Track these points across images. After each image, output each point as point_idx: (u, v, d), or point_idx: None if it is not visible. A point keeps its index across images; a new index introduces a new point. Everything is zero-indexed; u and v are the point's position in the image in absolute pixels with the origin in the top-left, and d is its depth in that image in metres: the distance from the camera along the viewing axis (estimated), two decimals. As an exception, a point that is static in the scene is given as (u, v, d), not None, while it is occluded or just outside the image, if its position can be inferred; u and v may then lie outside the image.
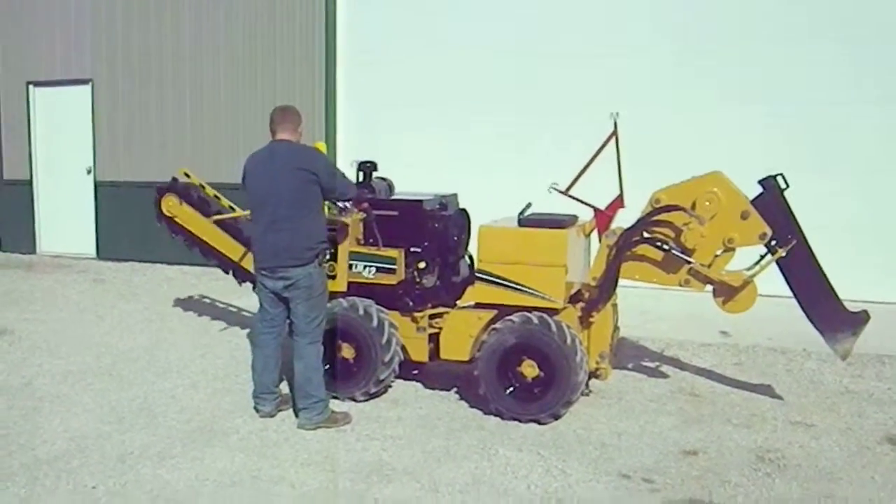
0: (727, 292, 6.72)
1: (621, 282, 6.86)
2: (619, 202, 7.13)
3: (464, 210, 7.57)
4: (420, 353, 7.15)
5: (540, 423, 6.51)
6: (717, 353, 8.54)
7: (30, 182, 15.06)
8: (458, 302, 7.32)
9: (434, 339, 7.14)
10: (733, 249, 6.62)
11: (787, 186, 6.75)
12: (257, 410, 6.73)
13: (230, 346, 8.75)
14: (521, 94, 11.83)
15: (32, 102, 14.95)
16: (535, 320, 6.51)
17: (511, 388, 6.60)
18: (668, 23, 11.16)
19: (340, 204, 7.27)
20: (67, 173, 14.73)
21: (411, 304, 7.07)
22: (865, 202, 10.46)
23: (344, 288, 7.11)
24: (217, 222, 8.32)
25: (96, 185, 14.47)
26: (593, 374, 7.01)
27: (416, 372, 7.55)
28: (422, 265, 7.08)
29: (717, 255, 6.65)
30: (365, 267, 7.09)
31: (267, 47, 13.05)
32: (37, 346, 8.88)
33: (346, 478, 5.57)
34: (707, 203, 6.51)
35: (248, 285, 8.24)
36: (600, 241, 6.97)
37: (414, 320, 7.10)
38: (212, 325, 9.58)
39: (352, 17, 12.71)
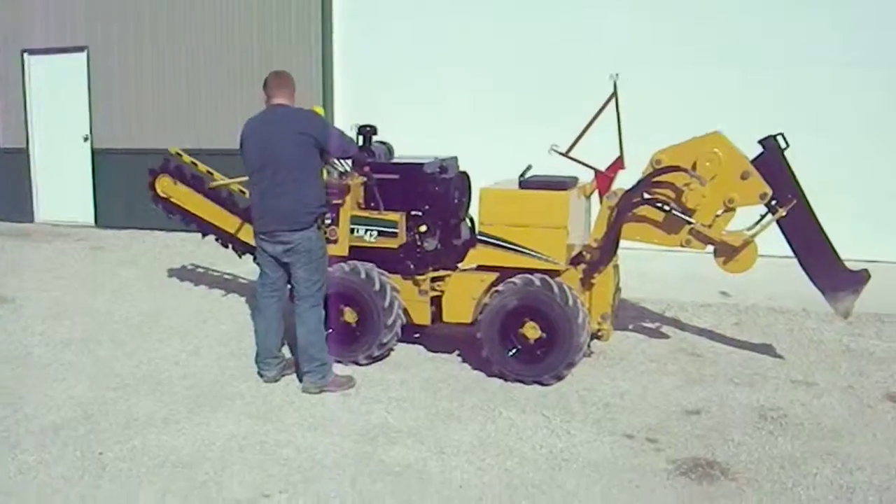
0: (728, 252, 6.72)
1: (621, 243, 6.87)
2: (619, 163, 7.12)
3: (464, 173, 7.57)
4: (422, 316, 7.17)
5: (543, 385, 6.55)
6: (717, 314, 8.57)
7: (26, 150, 14.98)
8: (459, 265, 7.33)
9: (436, 302, 7.16)
10: (734, 209, 6.62)
11: (788, 146, 6.74)
12: (261, 375, 6.76)
13: (232, 312, 8.77)
14: (521, 56, 11.76)
15: (28, 71, 14.85)
16: (538, 282, 6.53)
17: (514, 350, 6.63)
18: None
19: (341, 168, 7.28)
20: (64, 141, 14.66)
21: (413, 267, 7.08)
22: (862, 162, 10.47)
23: (345, 252, 7.11)
24: (212, 196, 8.36)
25: (93, 153, 14.42)
26: (595, 336, 7.04)
27: (417, 335, 7.57)
28: (423, 228, 7.08)
29: (717, 216, 6.65)
30: (366, 231, 7.09)
31: (263, 9, 12.95)
32: (38, 314, 8.88)
33: (351, 440, 5.61)
34: (708, 163, 6.50)
35: (248, 256, 8.29)
36: (601, 202, 6.97)
37: (416, 283, 7.11)
38: (212, 292, 9.59)
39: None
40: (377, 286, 6.88)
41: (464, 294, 6.92)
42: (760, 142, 6.74)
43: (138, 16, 13.80)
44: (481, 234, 6.79)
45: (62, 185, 14.79)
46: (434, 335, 7.59)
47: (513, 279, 6.62)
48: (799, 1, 10.58)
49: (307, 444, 5.55)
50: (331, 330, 6.83)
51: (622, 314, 8.08)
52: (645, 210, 6.74)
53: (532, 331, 6.57)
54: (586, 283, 6.91)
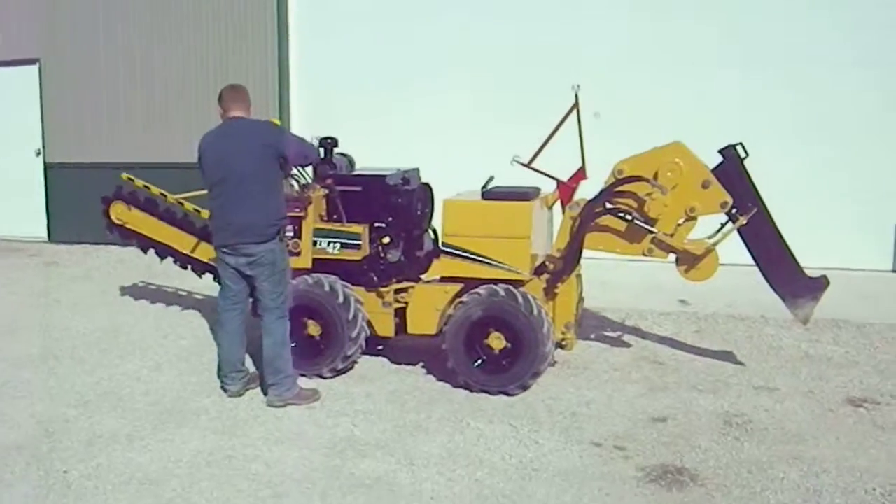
0: (690, 261, 6.79)
1: (584, 253, 6.89)
2: (581, 174, 7.16)
3: (427, 184, 7.57)
4: (386, 328, 7.15)
5: (509, 395, 6.56)
6: (677, 322, 8.64)
7: (-25, 165, 14.74)
8: (422, 276, 7.33)
9: (399, 314, 7.14)
10: (695, 218, 6.69)
11: (747, 155, 6.83)
12: (225, 390, 6.70)
13: (192, 327, 8.69)
14: (481, 66, 11.72)
15: (-22, 84, 14.64)
16: (502, 292, 6.54)
17: (479, 361, 6.63)
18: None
19: (302, 180, 7.25)
20: (15, 155, 14.44)
21: (376, 279, 7.06)
22: (819, 169, 10.63)
23: (309, 265, 7.08)
24: (168, 219, 8.35)
25: (46, 167, 14.24)
26: (559, 345, 7.07)
27: (380, 347, 7.53)
28: (386, 240, 7.07)
29: (679, 225, 6.72)
30: (329, 243, 7.06)
31: (218, 20, 12.87)
32: (-7, 331, 8.76)
33: (319, 454, 5.58)
34: (669, 173, 6.57)
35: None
36: (564, 212, 7.01)
37: (379, 295, 7.09)
38: (170, 307, 9.48)
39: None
40: (341, 298, 6.85)
41: (428, 305, 6.92)
42: (720, 151, 6.82)
43: (91, 28, 13.62)
44: (445, 245, 6.79)
45: (14, 200, 14.53)
46: (397, 347, 7.57)
47: (477, 290, 6.63)
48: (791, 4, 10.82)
49: (275, 459, 5.51)
50: (294, 343, 6.77)
51: (584, 323, 8.12)
52: (607, 220, 6.79)
53: (497, 341, 6.58)
54: (550, 292, 6.94)
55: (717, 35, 10.91)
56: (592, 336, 8.08)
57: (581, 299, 7.54)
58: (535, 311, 6.48)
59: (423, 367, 7.29)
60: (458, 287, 6.81)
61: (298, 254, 7.03)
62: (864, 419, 6.16)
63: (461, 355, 6.64)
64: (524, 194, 6.80)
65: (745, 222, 6.66)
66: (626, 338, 8.12)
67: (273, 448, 5.68)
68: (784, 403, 6.45)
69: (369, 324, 7.06)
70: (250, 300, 6.69)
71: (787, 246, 6.90)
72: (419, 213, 7.36)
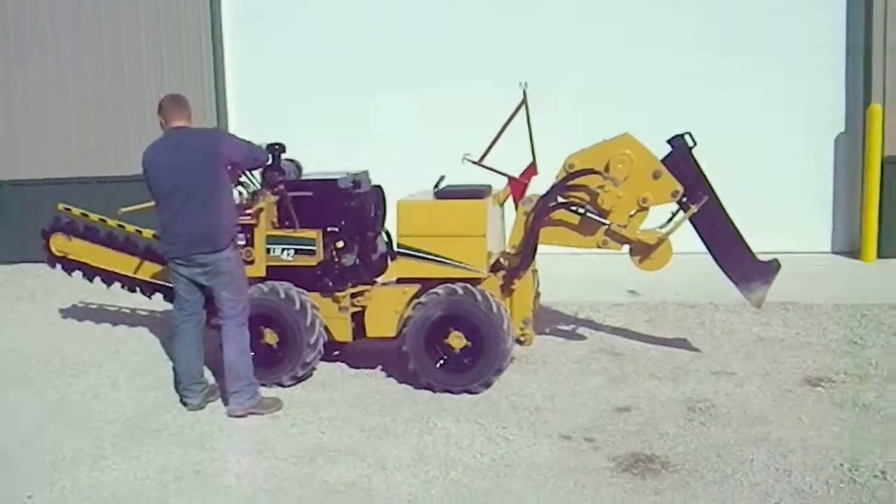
0: (643, 251, 6.87)
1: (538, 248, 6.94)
2: (532, 169, 7.17)
3: (378, 186, 7.54)
4: (343, 332, 7.10)
5: (472, 393, 6.57)
6: (629, 312, 8.72)
7: None
8: (378, 279, 7.30)
9: (356, 318, 7.11)
10: (647, 208, 6.78)
11: (695, 144, 6.92)
12: (185, 404, 6.61)
13: (142, 342, 8.52)
14: (425, 64, 11.65)
15: None
16: (461, 291, 6.54)
17: (440, 361, 6.62)
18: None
19: (252, 187, 7.18)
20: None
21: (332, 284, 7.00)
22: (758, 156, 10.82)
23: (263, 273, 7.01)
24: (110, 243, 8.19)
25: (-27, 186, 13.84)
26: (517, 341, 7.05)
27: (337, 353, 7.48)
28: (340, 244, 7.01)
29: (631, 216, 6.78)
30: (283, 250, 6.99)
31: (151, 28, 12.65)
32: (-64, 355, 8.52)
33: (289, 463, 5.53)
34: (620, 165, 6.63)
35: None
36: (517, 208, 7.03)
37: (335, 300, 7.03)
38: (117, 323, 9.27)
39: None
40: (298, 305, 6.79)
41: (387, 308, 6.90)
42: (669, 141, 6.90)
43: (22, 41, 13.11)
44: (401, 246, 6.78)
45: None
46: (354, 351, 7.53)
47: (435, 290, 6.62)
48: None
49: (244, 470, 5.46)
50: (252, 353, 6.66)
51: (538, 319, 8.14)
52: (561, 214, 6.84)
53: (457, 340, 6.58)
54: (506, 289, 6.96)
55: (664, 19, 11.09)
56: (547, 330, 8.11)
57: (537, 294, 7.57)
58: (495, 309, 6.49)
59: (382, 370, 7.26)
60: (415, 288, 6.80)
61: (252, 262, 6.95)
62: (822, 398, 6.28)
63: (422, 356, 6.62)
64: (477, 192, 6.81)
65: (696, 210, 6.74)
66: (581, 330, 8.16)
67: (241, 460, 5.63)
68: (743, 387, 6.55)
69: (326, 329, 7.01)
70: (204, 311, 6.62)
71: (738, 232, 7.00)
72: (372, 215, 7.32)
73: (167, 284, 7.67)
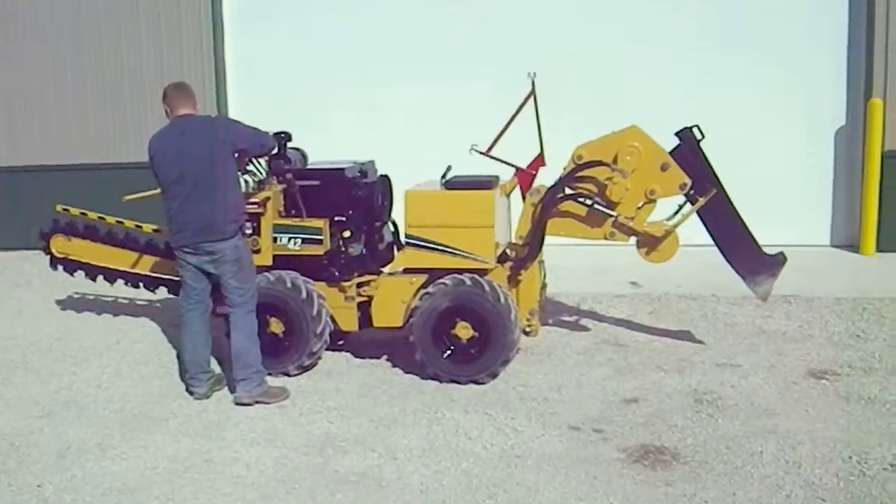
0: (651, 243, 6.88)
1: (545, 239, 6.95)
2: (540, 160, 7.17)
3: (385, 176, 7.52)
4: (349, 322, 7.09)
5: (479, 384, 6.57)
6: (632, 304, 8.72)
7: None
8: (383, 269, 7.29)
9: (362, 307, 7.10)
10: (654, 201, 6.78)
11: (703, 137, 6.92)
12: (191, 392, 6.60)
13: (144, 331, 8.49)
14: (436, 53, 11.58)
15: None
16: (468, 281, 6.54)
17: (448, 351, 6.62)
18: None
19: (259, 176, 7.16)
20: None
21: (338, 273, 7.00)
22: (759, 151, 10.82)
23: (269, 262, 7.00)
24: (111, 241, 8.16)
25: (-26, 172, 13.78)
26: (523, 332, 7.05)
27: (341, 342, 7.47)
28: (347, 234, 7.00)
29: (638, 208, 6.79)
30: (290, 239, 6.98)
31: (151, 16, 12.58)
32: (-65, 342, 8.49)
33: (299, 452, 5.53)
34: (628, 157, 6.64)
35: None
36: (524, 199, 7.03)
37: (341, 290, 7.02)
38: (117, 311, 9.23)
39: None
40: (304, 295, 6.78)
41: (394, 298, 6.89)
42: (677, 134, 6.90)
43: (19, 26, 13.09)
44: (408, 236, 6.77)
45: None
46: (358, 341, 7.52)
47: (443, 280, 6.62)
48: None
49: (254, 460, 5.45)
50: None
51: (541, 309, 8.16)
52: (568, 205, 6.85)
53: (464, 331, 6.58)
54: (513, 280, 6.97)
55: (672, 16, 11.03)
56: (551, 321, 8.11)
57: (544, 285, 7.57)
58: (503, 299, 6.50)
59: (387, 360, 7.26)
60: (423, 278, 6.79)
61: (258, 251, 6.93)
62: (828, 391, 6.30)
63: (429, 346, 6.62)
64: (485, 183, 6.81)
65: (704, 203, 6.75)
66: (584, 322, 8.17)
67: (251, 449, 5.61)
68: (749, 379, 6.57)
69: (333, 319, 7.00)
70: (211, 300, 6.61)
71: (744, 225, 7.01)
72: (379, 205, 7.31)
73: (170, 278, 7.67)
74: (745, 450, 5.32)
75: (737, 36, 10.87)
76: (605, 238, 6.86)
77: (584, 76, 11.00)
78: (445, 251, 6.66)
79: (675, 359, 7.06)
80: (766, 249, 7.17)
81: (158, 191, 6.57)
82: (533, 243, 6.87)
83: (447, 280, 6.60)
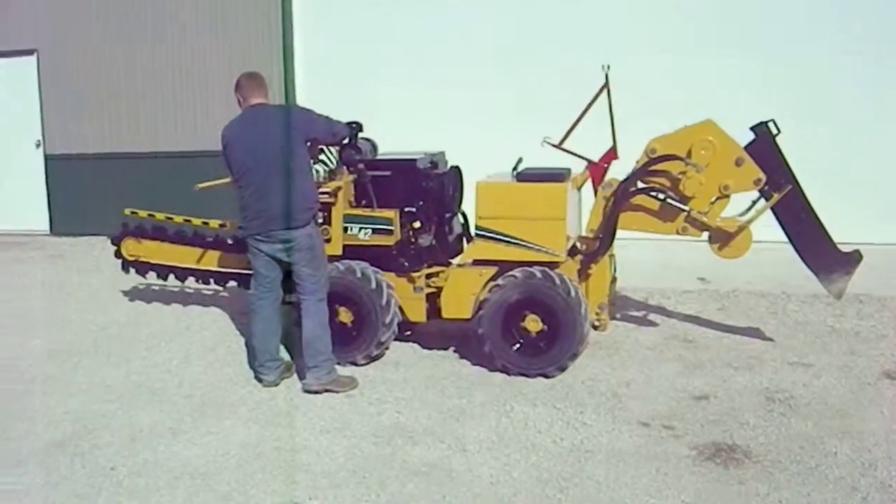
0: (723, 238, 6.80)
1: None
2: (612, 154, 7.10)
3: (456, 167, 7.51)
4: (417, 313, 7.10)
5: (547, 377, 6.54)
6: (700, 300, 8.62)
7: (-26, 159, 14.54)
8: (452, 260, 7.29)
9: (430, 298, 7.10)
10: (728, 196, 6.70)
11: (779, 132, 6.82)
12: (259, 380, 6.65)
13: (212, 318, 8.59)
14: (505, 45, 11.59)
15: (-26, 76, 14.42)
16: (539, 274, 6.51)
17: (517, 344, 6.60)
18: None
19: (330, 165, 7.20)
20: (15, 148, 14.25)
21: (408, 264, 7.01)
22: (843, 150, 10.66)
23: (339, 251, 7.03)
24: (180, 240, 8.24)
25: (46, 159, 14.05)
26: (592, 326, 7.04)
27: (408, 333, 7.49)
28: (417, 225, 7.01)
29: (712, 203, 6.71)
30: (360, 229, 7.00)
31: (216, 8, 12.73)
32: (8, 324, 8.65)
33: (368, 442, 5.54)
34: (703, 151, 6.56)
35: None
36: (595, 193, 6.98)
37: (410, 280, 7.04)
38: (186, 298, 9.35)
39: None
40: (374, 284, 6.80)
41: (463, 289, 6.88)
42: (752, 128, 6.81)
43: (90, 18, 13.42)
44: (479, 228, 6.76)
45: (14, 193, 14.29)
46: (425, 332, 7.53)
47: (513, 273, 6.59)
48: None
49: (324, 448, 5.47)
50: (327, 331, 6.72)
51: (608, 304, 8.11)
52: (640, 199, 6.80)
53: (534, 324, 6.55)
54: (583, 273, 6.93)
55: (737, 16, 10.92)
56: (618, 316, 8.05)
57: (614, 279, 7.51)
58: (573, 293, 6.46)
59: (455, 351, 7.26)
60: (492, 270, 6.77)
61: (329, 240, 6.97)
62: (903, 392, 6.19)
63: (498, 339, 6.61)
64: (558, 175, 6.77)
65: (778, 199, 6.66)
66: (652, 317, 8.10)
67: (320, 437, 5.64)
68: (821, 378, 6.46)
69: (401, 309, 7.01)
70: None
71: (819, 221, 6.89)
72: (450, 196, 7.31)
73: (240, 272, 7.71)
74: (818, 450, 5.23)
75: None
76: (678, 233, 6.79)
77: (654, 75, 10.89)
78: (516, 243, 6.63)
79: (745, 356, 6.97)
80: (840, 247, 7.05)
81: (229, 179, 6.63)
82: (604, 237, 6.82)
83: (517, 272, 6.57)
